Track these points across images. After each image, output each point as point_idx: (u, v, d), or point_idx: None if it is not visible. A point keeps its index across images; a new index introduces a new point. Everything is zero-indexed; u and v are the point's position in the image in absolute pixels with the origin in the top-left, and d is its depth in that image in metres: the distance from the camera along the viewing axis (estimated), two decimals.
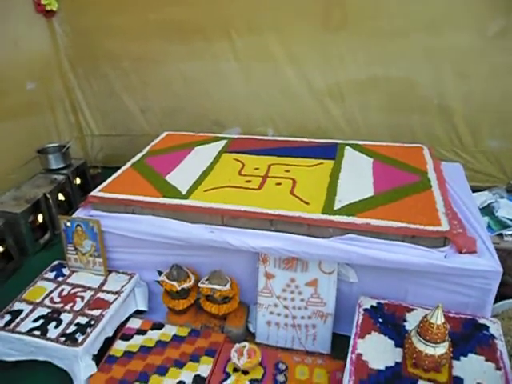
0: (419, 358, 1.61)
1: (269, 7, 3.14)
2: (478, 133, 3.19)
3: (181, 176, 2.39)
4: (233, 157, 2.57)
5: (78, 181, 3.43)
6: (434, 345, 1.57)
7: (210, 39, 3.35)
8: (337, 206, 2.00)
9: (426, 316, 1.60)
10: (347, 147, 2.59)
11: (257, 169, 2.39)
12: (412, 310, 1.89)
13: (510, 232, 2.50)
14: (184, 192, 2.22)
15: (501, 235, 2.49)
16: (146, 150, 2.79)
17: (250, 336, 2.20)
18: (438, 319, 1.56)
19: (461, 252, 1.84)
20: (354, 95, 3.28)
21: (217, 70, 3.46)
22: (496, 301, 2.01)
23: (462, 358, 1.71)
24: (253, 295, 2.18)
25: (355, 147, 2.59)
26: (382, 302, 1.97)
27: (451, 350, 1.64)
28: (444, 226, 1.84)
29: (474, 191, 2.50)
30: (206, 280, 2.13)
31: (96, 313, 2.04)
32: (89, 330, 1.95)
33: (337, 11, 3.06)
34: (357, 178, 2.24)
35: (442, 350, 1.58)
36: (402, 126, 3.24)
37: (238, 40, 3.30)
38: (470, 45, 2.93)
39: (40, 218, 3.00)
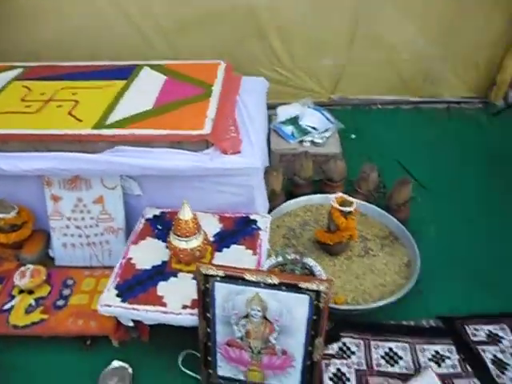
0: (176, 253, 1.74)
1: None
2: (293, 50, 3.30)
3: None
4: (22, 84, 2.40)
5: None
6: (185, 239, 1.70)
7: None
8: (109, 121, 2.01)
9: (177, 213, 1.71)
10: (145, 67, 2.54)
11: (43, 94, 2.27)
12: None
13: (308, 138, 2.74)
14: None
15: (301, 142, 2.73)
16: None
17: (50, 261, 2.21)
18: (186, 215, 1.68)
19: (226, 153, 1.97)
20: None
21: None
22: None
23: (224, 249, 1.89)
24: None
25: (154, 67, 2.55)
26: (166, 211, 2.08)
27: (207, 242, 1.79)
28: (206, 130, 1.93)
29: None
30: None
31: None
32: None
33: None
34: (141, 94, 2.23)
35: (194, 243, 1.71)
36: (220, 46, 3.24)
37: None
38: None
39: None
